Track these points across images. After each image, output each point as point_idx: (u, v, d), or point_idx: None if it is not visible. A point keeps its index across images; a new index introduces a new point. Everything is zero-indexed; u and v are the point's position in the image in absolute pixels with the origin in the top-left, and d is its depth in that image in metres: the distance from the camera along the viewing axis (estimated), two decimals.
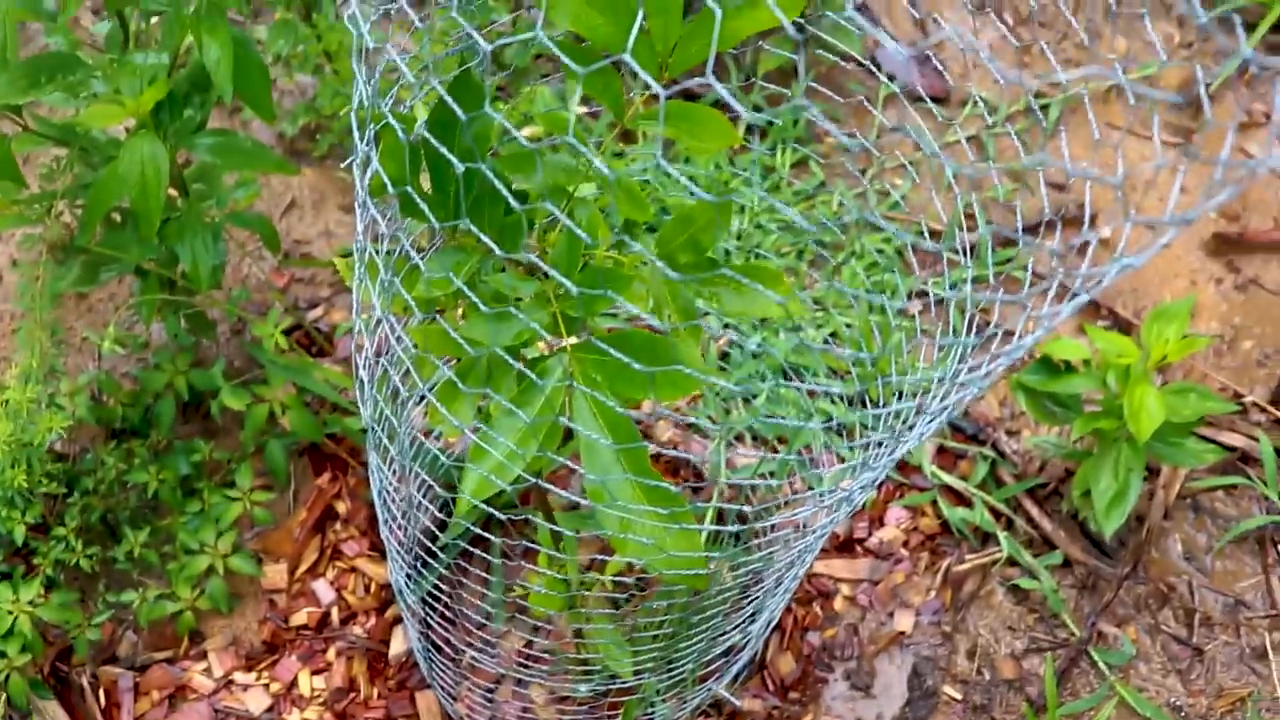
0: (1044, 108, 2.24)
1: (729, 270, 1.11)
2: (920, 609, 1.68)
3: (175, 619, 1.58)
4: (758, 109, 2.24)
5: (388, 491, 1.27)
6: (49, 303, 1.57)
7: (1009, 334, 1.89)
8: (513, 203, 0.86)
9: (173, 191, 1.58)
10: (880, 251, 2.01)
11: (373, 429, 1.17)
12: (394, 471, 1.47)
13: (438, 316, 1.11)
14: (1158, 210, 2.12)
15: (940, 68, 2.33)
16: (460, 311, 1.14)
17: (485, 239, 0.93)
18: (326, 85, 2.07)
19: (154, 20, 1.52)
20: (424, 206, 0.96)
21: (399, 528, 1.38)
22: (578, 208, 1.12)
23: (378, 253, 1.06)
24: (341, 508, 1.67)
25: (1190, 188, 2.14)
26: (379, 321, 1.09)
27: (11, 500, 1.54)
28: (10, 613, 1.49)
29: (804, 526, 1.68)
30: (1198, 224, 2.11)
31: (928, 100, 2.26)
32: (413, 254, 1.02)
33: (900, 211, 2.10)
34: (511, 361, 0.95)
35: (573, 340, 1.00)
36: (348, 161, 1.02)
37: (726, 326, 1.88)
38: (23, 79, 1.43)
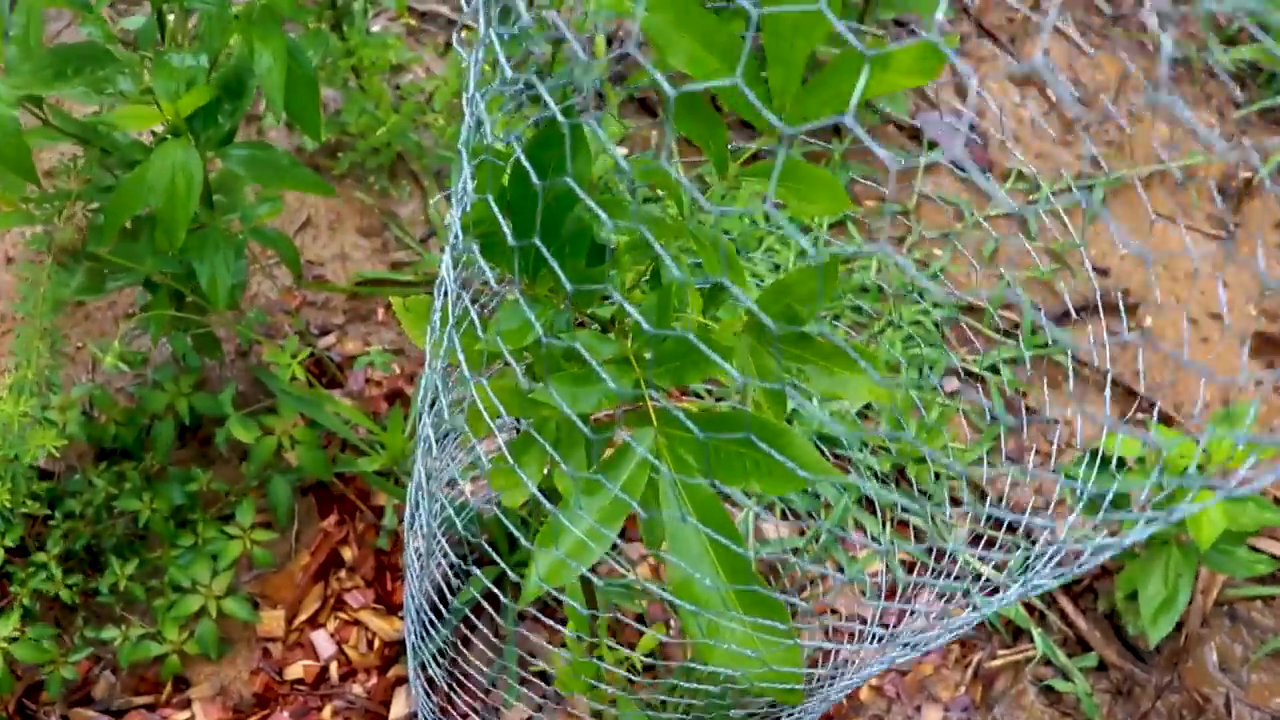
0: (1088, 188, 2.18)
1: (824, 342, 1.03)
2: (949, 705, 1.59)
3: (159, 662, 1.46)
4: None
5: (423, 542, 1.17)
6: (50, 310, 1.46)
7: (1052, 422, 1.81)
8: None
9: None
10: (917, 323, 1.93)
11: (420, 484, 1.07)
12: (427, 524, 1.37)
13: (516, 371, 1.02)
14: (1200, 303, 2.06)
15: (981, 139, 2.27)
16: (522, 370, 1.04)
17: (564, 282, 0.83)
18: (353, 101, 1.97)
19: (192, 19, 1.42)
20: (509, 237, 0.86)
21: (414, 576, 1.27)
22: (670, 266, 1.03)
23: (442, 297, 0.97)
24: (348, 554, 1.56)
25: (1233, 283, 2.08)
26: (445, 369, 0.99)
27: None
28: None
29: (854, 659, 1.59)
30: (1240, 321, 2.05)
31: (971, 171, 2.19)
32: (477, 302, 0.93)
33: (938, 284, 2.03)
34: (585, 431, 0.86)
35: (653, 405, 0.91)
36: (440, 195, 0.93)
37: None
38: (48, 69, 1.33)
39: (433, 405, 1.01)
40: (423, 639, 1.46)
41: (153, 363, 1.68)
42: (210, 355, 1.62)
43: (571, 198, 0.94)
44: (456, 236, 0.92)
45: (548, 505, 0.89)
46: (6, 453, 1.39)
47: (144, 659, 1.45)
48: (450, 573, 1.46)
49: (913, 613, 1.69)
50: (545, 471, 0.99)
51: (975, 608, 1.46)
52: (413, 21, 2.23)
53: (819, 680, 1.37)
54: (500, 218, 0.91)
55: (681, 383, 0.92)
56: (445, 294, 0.93)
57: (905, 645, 1.23)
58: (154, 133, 1.39)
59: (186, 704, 1.45)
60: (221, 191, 1.54)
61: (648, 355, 0.95)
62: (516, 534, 0.83)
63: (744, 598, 0.84)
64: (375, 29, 2.24)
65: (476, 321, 0.97)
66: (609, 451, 0.91)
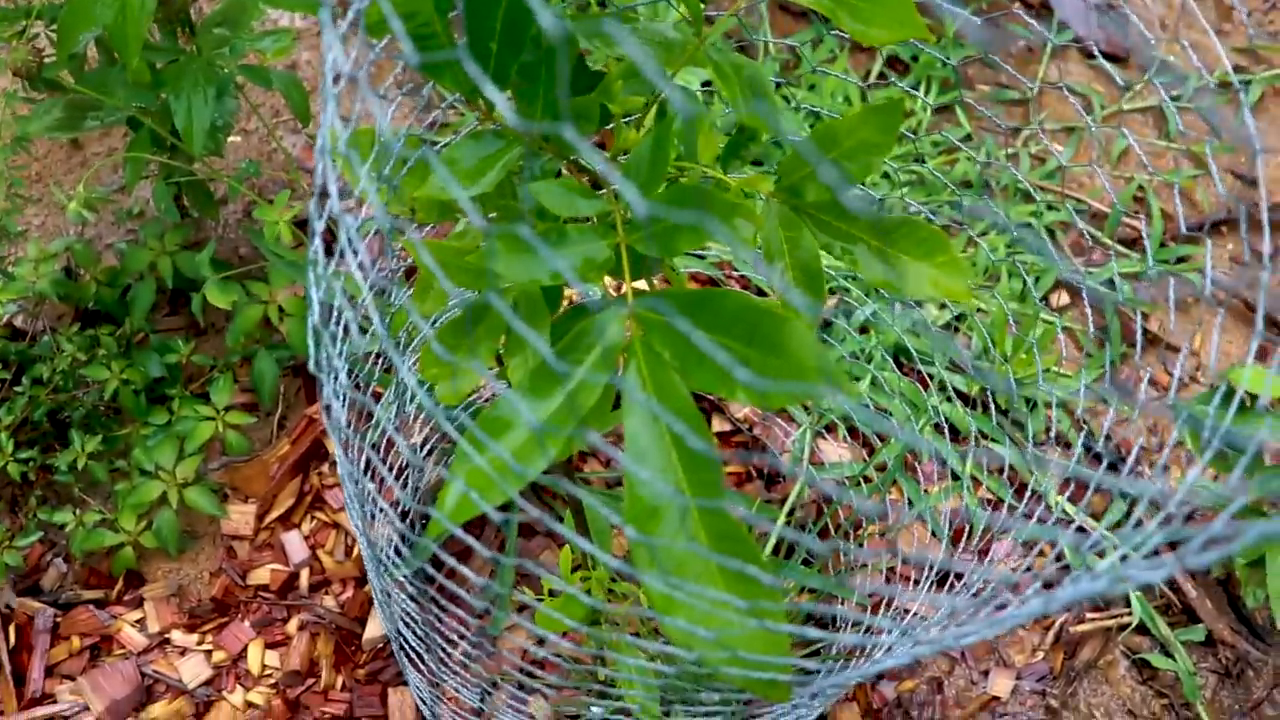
0: (1245, 84, 1.87)
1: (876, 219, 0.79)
2: (1023, 672, 1.35)
3: (113, 553, 1.29)
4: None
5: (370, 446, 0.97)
6: (10, 147, 1.27)
7: (1172, 349, 1.54)
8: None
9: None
10: (1026, 226, 1.66)
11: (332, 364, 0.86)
12: (390, 420, 1.17)
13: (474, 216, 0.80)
14: None
15: (1121, 23, 1.96)
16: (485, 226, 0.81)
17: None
18: None
19: None
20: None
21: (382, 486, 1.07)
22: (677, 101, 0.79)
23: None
24: (333, 446, 1.36)
25: None
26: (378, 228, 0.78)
27: None
28: None
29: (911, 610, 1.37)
30: None
31: (1102, 59, 1.89)
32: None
33: (1055, 184, 1.75)
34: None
35: (638, 287, 0.68)
36: None
37: (833, 291, 1.54)
38: None
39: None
40: (403, 553, 1.27)
41: (147, 218, 1.49)
42: (205, 212, 1.43)
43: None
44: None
45: (500, 389, 0.67)
46: None
47: (98, 548, 1.28)
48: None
49: (990, 560, 1.45)
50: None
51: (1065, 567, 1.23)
52: None
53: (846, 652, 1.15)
54: (445, 23, 0.69)
55: (672, 251, 0.69)
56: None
57: (972, 606, 0.99)
58: None
59: (139, 603, 1.27)
60: (225, 24, 1.33)
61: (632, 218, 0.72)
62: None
63: (719, 546, 0.61)
64: None
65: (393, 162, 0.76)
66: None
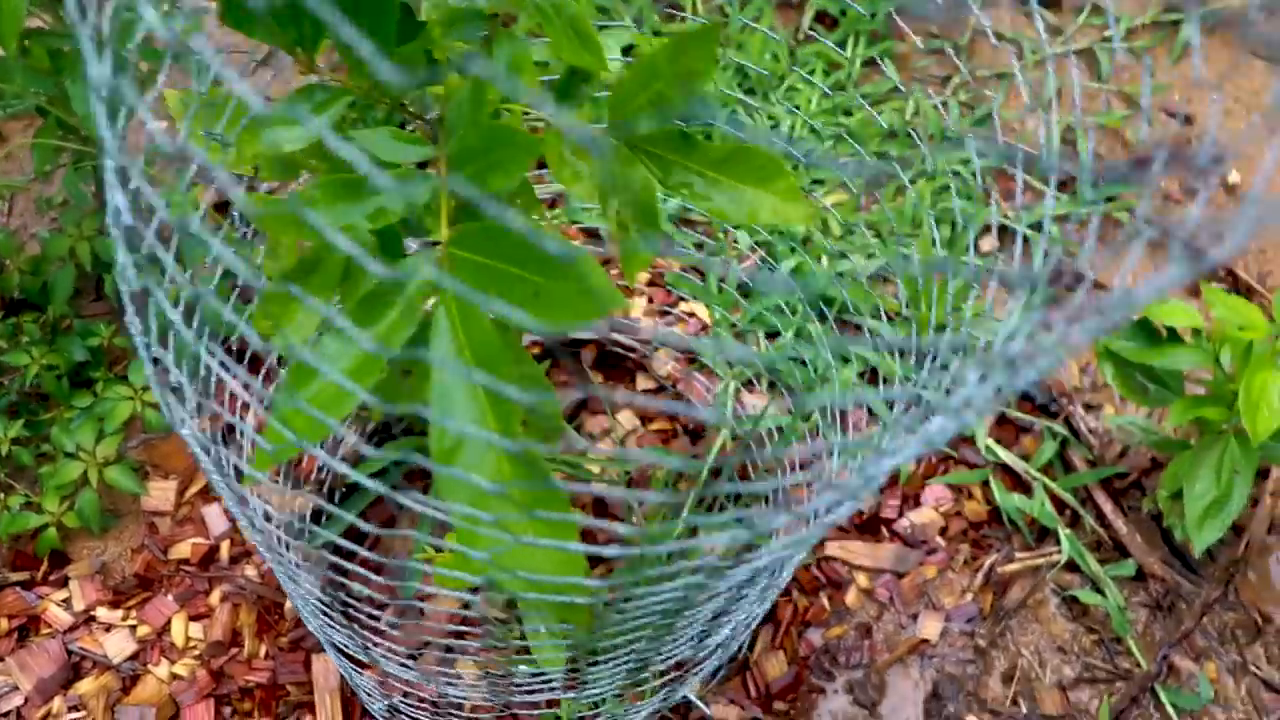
0: (1174, 24, 1.86)
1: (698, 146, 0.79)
2: (951, 614, 1.36)
3: (37, 535, 1.30)
4: None
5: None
6: None
7: (1099, 287, 1.54)
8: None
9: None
10: (956, 174, 1.66)
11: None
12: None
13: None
14: None
15: None
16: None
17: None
18: None
19: None
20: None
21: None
22: (500, 46, 0.80)
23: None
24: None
25: None
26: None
27: None
28: None
29: (815, 513, 1.37)
30: None
31: (1034, 3, 1.89)
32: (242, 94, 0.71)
33: (986, 130, 1.75)
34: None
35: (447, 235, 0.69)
36: None
37: (756, 246, 1.54)
38: None
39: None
40: (324, 519, 1.28)
41: (70, 205, 1.50)
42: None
43: None
44: None
45: (296, 348, 0.68)
46: None
47: (23, 531, 1.29)
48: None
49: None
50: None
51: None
52: None
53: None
54: None
55: (485, 185, 0.70)
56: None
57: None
58: None
59: (64, 582, 1.29)
60: (120, 6, 1.34)
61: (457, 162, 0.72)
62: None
63: (518, 471, 0.62)
64: None
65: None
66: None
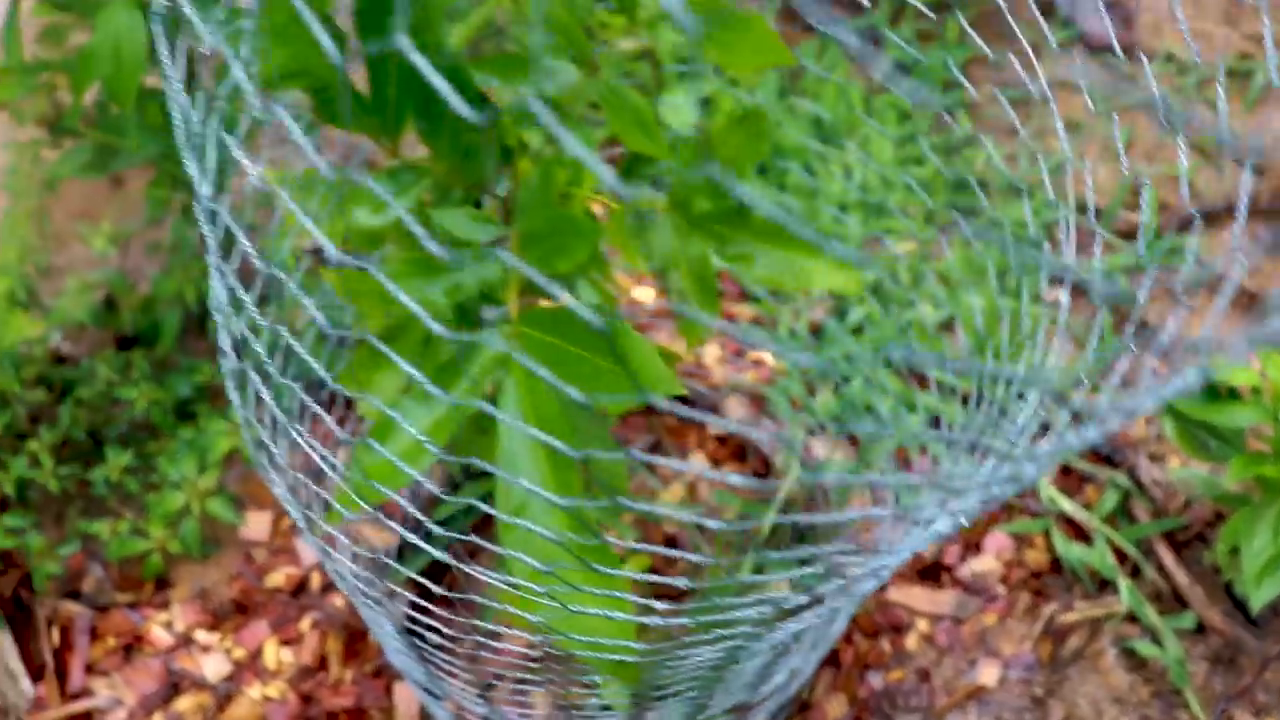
0: (1248, 74, 1.88)
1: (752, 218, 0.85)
2: (1010, 661, 1.39)
3: (144, 559, 1.39)
4: (902, 46, 1.93)
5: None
6: (38, 189, 1.38)
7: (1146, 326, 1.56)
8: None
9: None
10: (1024, 224, 1.69)
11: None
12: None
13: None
14: None
15: (1125, 16, 1.98)
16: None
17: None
18: None
19: None
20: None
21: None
22: (573, 132, 0.86)
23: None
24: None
25: None
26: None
27: None
28: None
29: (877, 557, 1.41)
30: None
31: (1117, 51, 1.91)
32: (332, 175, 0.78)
33: (1056, 179, 1.78)
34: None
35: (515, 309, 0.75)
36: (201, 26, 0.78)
37: (827, 295, 1.59)
38: None
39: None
40: (411, 553, 1.35)
41: (181, 250, 1.60)
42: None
43: (432, 36, 0.78)
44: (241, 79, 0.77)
45: (377, 404, 0.75)
46: None
47: (131, 555, 1.39)
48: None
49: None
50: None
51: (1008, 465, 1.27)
52: None
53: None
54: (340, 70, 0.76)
55: (552, 267, 0.76)
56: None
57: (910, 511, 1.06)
58: None
59: (166, 605, 1.38)
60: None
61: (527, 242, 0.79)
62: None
63: (574, 529, 0.68)
64: None
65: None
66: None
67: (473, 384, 0.73)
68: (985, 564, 1.45)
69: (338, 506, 0.73)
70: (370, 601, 1.08)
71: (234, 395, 0.79)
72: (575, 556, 0.66)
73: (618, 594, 0.66)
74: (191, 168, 0.69)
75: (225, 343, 0.77)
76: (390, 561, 0.75)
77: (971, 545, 1.47)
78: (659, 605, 0.67)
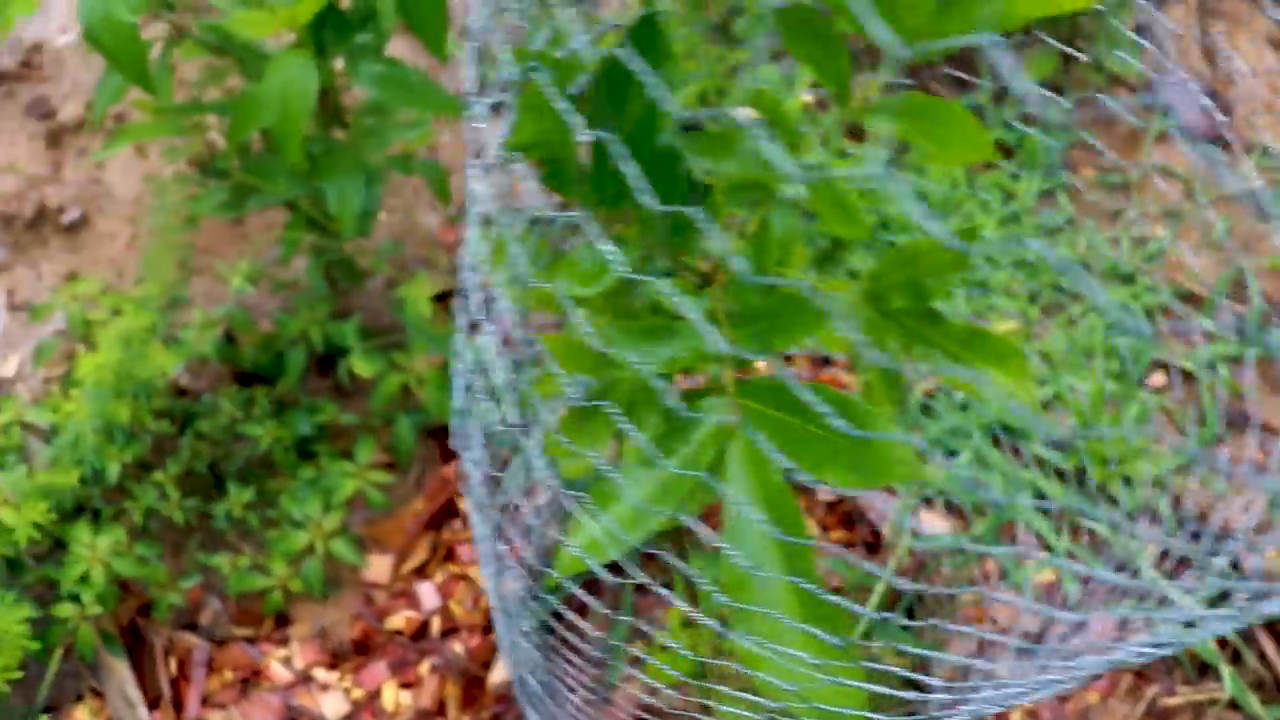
0: None
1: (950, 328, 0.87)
2: None
3: (264, 595, 1.42)
4: (1008, 125, 1.97)
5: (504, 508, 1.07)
6: (182, 225, 1.42)
7: (1269, 430, 1.59)
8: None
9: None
10: (1125, 308, 1.72)
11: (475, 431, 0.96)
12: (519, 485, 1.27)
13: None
14: None
15: (1221, 106, 2.02)
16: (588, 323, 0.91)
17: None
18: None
19: None
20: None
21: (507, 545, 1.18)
22: (774, 213, 0.89)
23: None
24: (464, 504, 1.48)
25: None
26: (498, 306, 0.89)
27: (110, 434, 1.39)
28: (85, 558, 1.34)
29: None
30: None
31: (1192, 142, 1.94)
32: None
33: (1155, 266, 1.81)
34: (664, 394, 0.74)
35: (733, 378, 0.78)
36: (472, 104, 0.82)
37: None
38: None
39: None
40: (532, 601, 1.37)
41: (300, 289, 1.63)
42: (351, 282, 1.56)
43: (655, 120, 0.81)
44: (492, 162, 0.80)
45: (603, 466, 0.78)
46: (128, 369, 1.36)
47: (250, 590, 1.41)
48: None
49: (1079, 626, 1.50)
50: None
51: (1153, 633, 1.27)
52: None
53: (937, 704, 1.22)
54: (569, 144, 0.79)
55: (770, 346, 0.79)
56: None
57: (1056, 665, 1.07)
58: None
59: (285, 641, 1.40)
60: (374, 113, 1.47)
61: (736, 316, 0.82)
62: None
63: (805, 608, 0.71)
64: None
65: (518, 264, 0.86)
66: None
67: (695, 455, 0.76)
68: (1079, 642, 1.47)
69: (553, 573, 0.75)
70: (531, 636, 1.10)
71: (472, 443, 0.81)
72: (809, 621, 0.69)
73: (849, 664, 0.68)
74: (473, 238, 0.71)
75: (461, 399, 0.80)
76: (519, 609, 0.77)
77: (1075, 623, 1.49)
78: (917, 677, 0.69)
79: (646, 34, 0.77)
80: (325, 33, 1.26)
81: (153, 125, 1.43)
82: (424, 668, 1.37)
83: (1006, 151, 1.95)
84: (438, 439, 1.54)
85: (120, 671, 1.39)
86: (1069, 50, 1.14)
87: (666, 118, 0.79)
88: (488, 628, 1.39)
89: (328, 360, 1.59)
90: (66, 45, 2.06)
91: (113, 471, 1.38)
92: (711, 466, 0.75)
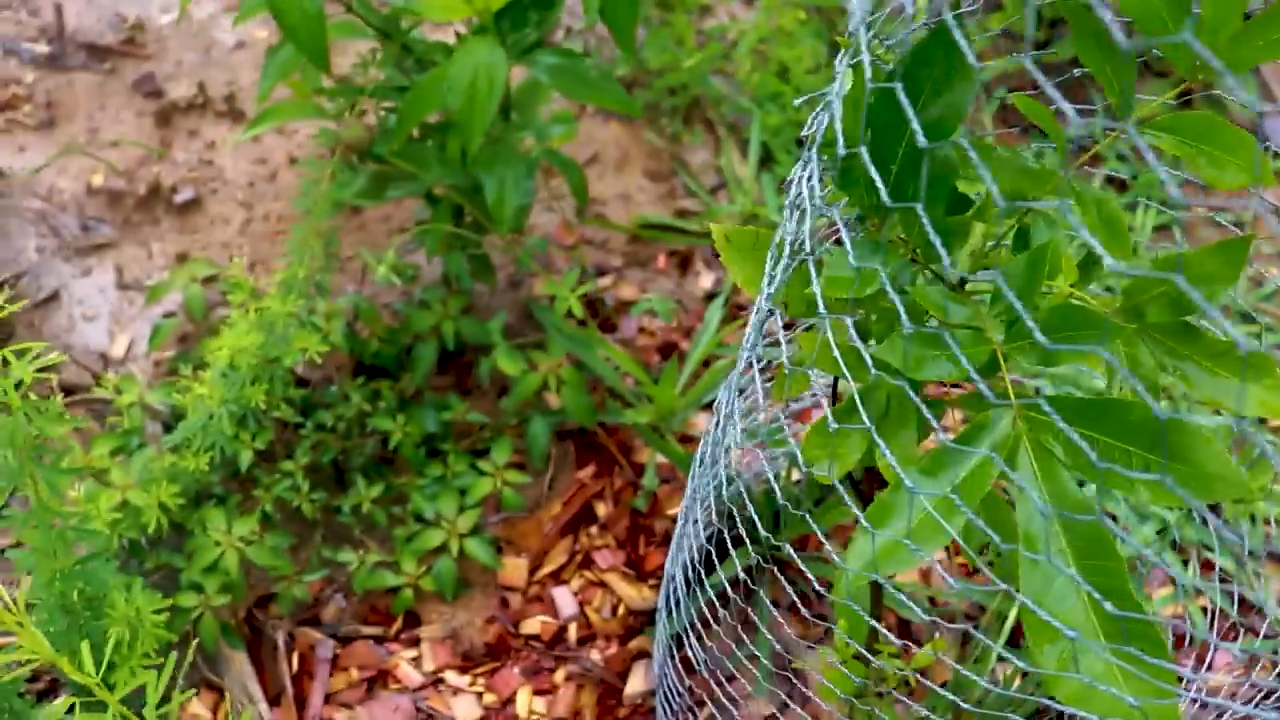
0: None
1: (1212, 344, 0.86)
2: None
3: (392, 593, 1.38)
4: (1122, 158, 1.95)
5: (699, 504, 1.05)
6: (329, 210, 1.39)
7: None
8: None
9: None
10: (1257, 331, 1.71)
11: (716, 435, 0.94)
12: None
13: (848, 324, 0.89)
14: None
15: None
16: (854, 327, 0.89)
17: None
18: (656, 37, 1.86)
19: None
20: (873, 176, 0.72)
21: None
22: (1038, 226, 0.88)
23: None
24: (601, 510, 1.45)
25: None
26: (768, 314, 0.86)
27: (244, 420, 1.36)
28: (219, 544, 1.31)
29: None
30: None
31: None
32: (840, 235, 0.79)
33: (1273, 306, 1.79)
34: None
35: (1017, 398, 0.76)
36: (803, 99, 0.80)
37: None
38: None
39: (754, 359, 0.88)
40: (673, 610, 1.34)
41: (422, 281, 1.60)
42: (483, 280, 1.54)
43: (939, 132, 0.79)
44: (810, 156, 0.79)
45: (902, 470, 0.76)
46: (268, 353, 1.33)
47: (377, 588, 1.38)
48: (715, 546, 1.34)
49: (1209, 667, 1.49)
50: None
51: None
52: None
53: None
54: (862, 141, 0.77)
55: (1049, 364, 0.77)
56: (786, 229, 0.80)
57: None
58: (458, 34, 1.30)
59: (415, 642, 1.37)
60: (517, 107, 1.45)
61: (1002, 328, 0.80)
62: (798, 510, 0.70)
63: (1112, 626, 0.69)
64: None
65: (811, 265, 0.84)
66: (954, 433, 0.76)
67: (981, 467, 0.74)
68: (1215, 679, 1.45)
69: (832, 596, 0.73)
70: None
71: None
72: (1116, 638, 0.67)
73: (1163, 665, 0.66)
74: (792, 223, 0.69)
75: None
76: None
77: (1199, 658, 1.47)
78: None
79: (942, 47, 0.75)
80: (504, 21, 1.24)
81: (301, 106, 1.41)
82: (559, 675, 1.34)
83: (1121, 185, 1.94)
84: (571, 440, 1.51)
85: (240, 665, 1.36)
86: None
87: (952, 131, 0.78)
88: (625, 636, 1.36)
89: (447, 356, 1.56)
90: (168, 24, 2.04)
91: (245, 458, 1.35)
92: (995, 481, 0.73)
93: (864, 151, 0.71)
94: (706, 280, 1.69)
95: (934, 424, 0.69)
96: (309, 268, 1.37)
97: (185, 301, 1.57)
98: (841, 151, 0.73)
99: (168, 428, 1.47)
